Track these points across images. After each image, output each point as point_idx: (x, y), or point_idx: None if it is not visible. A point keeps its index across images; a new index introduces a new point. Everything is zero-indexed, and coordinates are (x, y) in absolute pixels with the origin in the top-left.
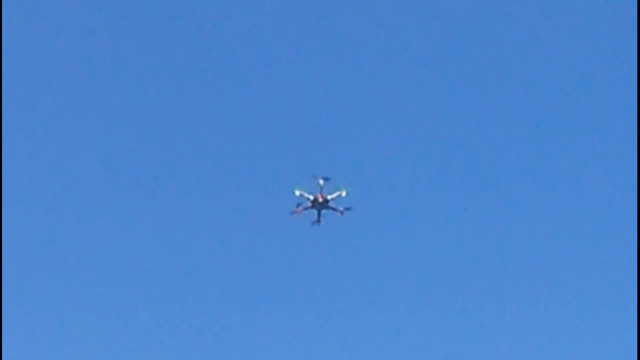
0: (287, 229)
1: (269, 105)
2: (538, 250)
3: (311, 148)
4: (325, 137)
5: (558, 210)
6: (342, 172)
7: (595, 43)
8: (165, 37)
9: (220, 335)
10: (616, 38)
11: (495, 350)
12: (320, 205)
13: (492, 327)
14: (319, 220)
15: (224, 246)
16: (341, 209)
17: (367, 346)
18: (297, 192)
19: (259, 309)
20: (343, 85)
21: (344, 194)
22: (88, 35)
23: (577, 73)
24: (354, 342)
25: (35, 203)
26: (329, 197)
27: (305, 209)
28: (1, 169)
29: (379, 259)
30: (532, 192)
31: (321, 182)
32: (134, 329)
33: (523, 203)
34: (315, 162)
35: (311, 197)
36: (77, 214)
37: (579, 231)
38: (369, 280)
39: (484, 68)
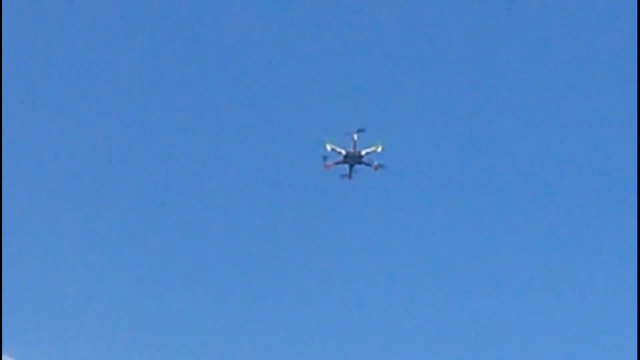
0: (318, 183)
1: (299, 60)
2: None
3: (345, 103)
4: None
5: (563, 211)
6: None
7: (595, 43)
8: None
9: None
10: (616, 38)
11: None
12: (353, 160)
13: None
14: (350, 176)
15: (250, 201)
16: (375, 164)
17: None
18: (329, 147)
19: (288, 265)
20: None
21: (379, 149)
22: (88, 36)
23: (577, 73)
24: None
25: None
26: (363, 152)
27: (337, 163)
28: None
29: (412, 218)
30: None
31: (355, 136)
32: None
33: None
34: (347, 118)
35: (343, 152)
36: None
37: (579, 231)
38: (399, 242)
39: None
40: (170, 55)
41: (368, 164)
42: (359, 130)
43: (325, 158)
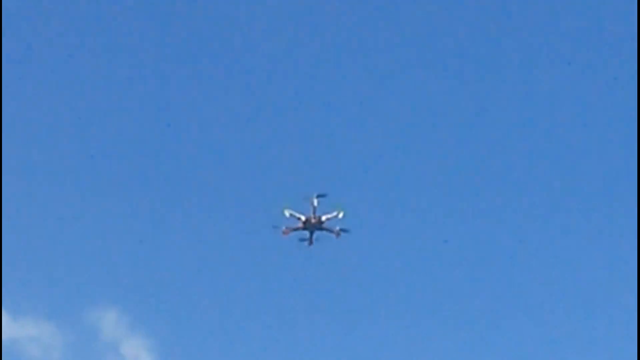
0: (277, 250)
1: (260, 120)
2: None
3: (307, 164)
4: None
5: (558, 212)
6: (340, 191)
7: (595, 43)
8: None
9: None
10: (616, 38)
11: None
12: (313, 226)
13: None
14: (311, 242)
15: (209, 268)
16: (337, 229)
17: None
18: (287, 213)
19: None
20: (338, 98)
21: (340, 215)
22: (88, 36)
23: (577, 73)
24: None
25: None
26: (324, 217)
27: (296, 229)
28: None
29: (375, 284)
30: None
31: (315, 202)
32: None
33: (517, 216)
34: (310, 180)
35: (303, 218)
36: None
37: (578, 232)
38: (364, 306)
39: (484, 71)
40: None
41: (329, 230)
42: (319, 196)
43: (283, 227)
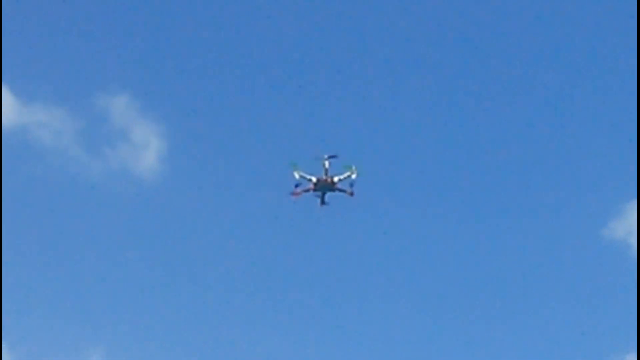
0: (288, 211)
1: (272, 82)
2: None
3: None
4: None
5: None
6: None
7: (596, 43)
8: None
9: (218, 323)
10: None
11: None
12: (325, 187)
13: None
14: (323, 202)
15: (219, 231)
16: (350, 189)
17: (369, 336)
18: (297, 174)
19: (259, 296)
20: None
21: (353, 175)
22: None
23: (577, 73)
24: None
25: None
26: (336, 178)
27: (307, 190)
28: None
29: (388, 244)
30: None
31: (327, 163)
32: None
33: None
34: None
35: (313, 179)
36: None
37: (578, 232)
38: (376, 268)
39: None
40: None
41: (342, 190)
42: (331, 157)
43: (297, 186)
